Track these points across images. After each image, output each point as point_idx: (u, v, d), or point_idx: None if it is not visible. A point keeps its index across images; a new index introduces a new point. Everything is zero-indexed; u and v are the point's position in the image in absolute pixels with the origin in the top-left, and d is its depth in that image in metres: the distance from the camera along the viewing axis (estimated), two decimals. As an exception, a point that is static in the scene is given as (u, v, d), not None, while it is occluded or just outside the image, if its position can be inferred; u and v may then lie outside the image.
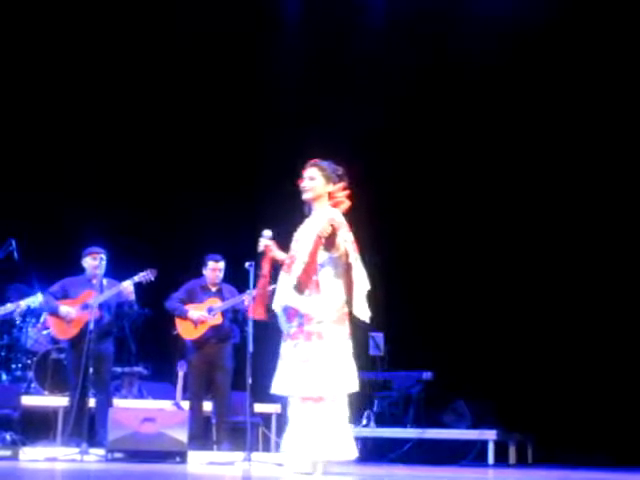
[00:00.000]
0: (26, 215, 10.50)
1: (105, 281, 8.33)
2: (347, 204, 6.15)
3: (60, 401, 9.19)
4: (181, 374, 9.31)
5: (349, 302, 5.99)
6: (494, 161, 10.81)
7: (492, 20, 10.59)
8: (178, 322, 8.65)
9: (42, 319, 10.08)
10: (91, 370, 7.75)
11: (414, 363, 10.11)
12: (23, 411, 8.85)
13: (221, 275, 8.74)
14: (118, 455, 7.32)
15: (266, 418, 9.61)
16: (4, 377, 9.84)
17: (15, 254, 9.71)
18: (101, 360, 8.06)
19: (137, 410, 8.22)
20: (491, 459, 9.04)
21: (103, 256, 8.30)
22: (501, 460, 9.20)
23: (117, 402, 9.00)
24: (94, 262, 8.31)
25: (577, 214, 10.42)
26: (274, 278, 6.25)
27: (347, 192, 6.16)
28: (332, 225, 5.82)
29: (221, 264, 8.72)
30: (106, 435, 7.49)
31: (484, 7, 10.78)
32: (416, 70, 11.07)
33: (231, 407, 8.56)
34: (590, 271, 10.25)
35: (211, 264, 8.71)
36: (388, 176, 11.11)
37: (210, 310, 8.53)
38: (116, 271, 8.53)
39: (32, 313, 10.02)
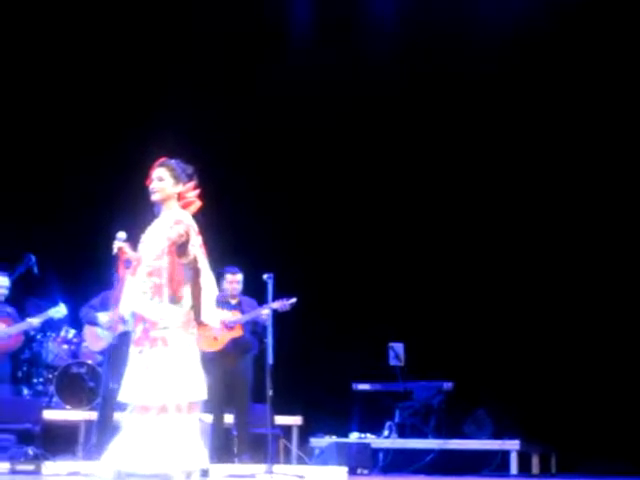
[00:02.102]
0: (46, 229, 10.54)
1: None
2: (197, 204, 5.92)
3: (81, 415, 9.21)
4: (202, 387, 9.31)
5: (196, 308, 5.77)
6: (509, 163, 10.81)
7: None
8: (199, 334, 8.61)
9: (62, 333, 10.11)
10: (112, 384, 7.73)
11: (434, 373, 10.07)
12: (45, 425, 8.87)
13: (239, 287, 8.70)
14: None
15: (287, 430, 9.60)
16: (25, 392, 9.85)
17: (35, 269, 9.74)
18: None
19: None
20: (514, 469, 8.98)
21: None
22: (523, 470, 9.14)
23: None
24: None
25: (588, 221, 10.41)
26: None
27: (197, 192, 5.94)
28: (186, 232, 5.61)
29: (239, 276, 8.68)
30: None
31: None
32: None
33: (252, 419, 8.53)
34: (613, 280, 10.20)
35: (229, 277, 8.67)
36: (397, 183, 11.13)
37: (229, 323, 8.51)
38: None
39: (51, 327, 10.06)
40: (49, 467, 7.44)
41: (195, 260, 5.69)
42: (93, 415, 8.75)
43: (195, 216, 5.80)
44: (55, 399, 9.59)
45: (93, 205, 10.80)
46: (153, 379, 5.55)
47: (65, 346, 10.09)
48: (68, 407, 9.50)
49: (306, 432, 9.71)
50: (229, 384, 8.52)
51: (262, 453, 8.19)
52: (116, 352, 7.79)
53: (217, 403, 8.53)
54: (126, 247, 5.90)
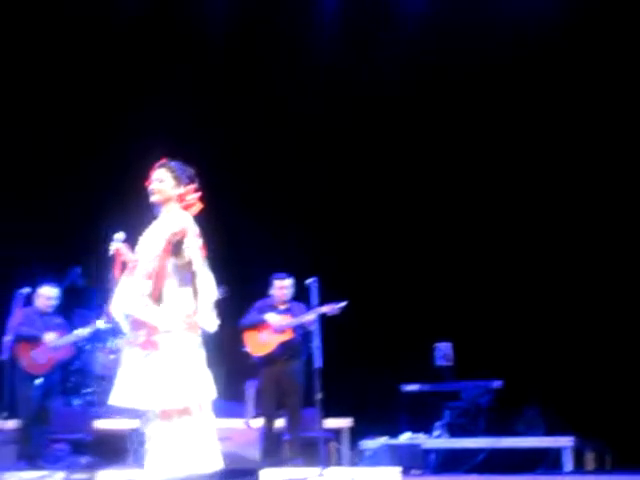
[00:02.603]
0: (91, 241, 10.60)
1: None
2: (198, 207, 5.85)
3: (131, 424, 9.25)
4: (250, 392, 9.34)
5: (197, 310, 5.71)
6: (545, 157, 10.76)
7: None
8: (248, 339, 8.65)
9: (109, 343, 10.16)
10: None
11: (483, 372, 10.01)
12: (96, 435, 8.93)
13: (289, 292, 8.70)
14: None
15: (337, 432, 9.58)
16: (76, 402, 9.93)
17: (80, 281, 9.80)
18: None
19: (209, 429, 8.20)
20: (569, 466, 8.89)
21: None
22: (577, 467, 9.04)
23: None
24: None
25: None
26: None
27: (198, 194, 5.86)
28: (180, 232, 5.58)
29: (287, 282, 8.69)
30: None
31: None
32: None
33: (302, 423, 8.52)
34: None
35: (277, 283, 8.70)
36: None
37: (279, 327, 8.52)
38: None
39: (99, 338, 10.12)
40: (103, 475, 7.50)
41: (190, 263, 5.65)
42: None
43: (197, 218, 5.74)
44: (105, 408, 9.64)
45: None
46: (169, 382, 5.48)
47: (112, 356, 10.13)
48: (118, 416, 9.55)
49: (356, 434, 9.67)
50: (280, 388, 8.52)
51: (313, 456, 8.18)
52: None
53: (268, 407, 8.54)
54: (123, 248, 5.83)
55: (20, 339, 8.36)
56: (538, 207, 10.87)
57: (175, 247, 5.58)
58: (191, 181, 5.85)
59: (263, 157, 11.24)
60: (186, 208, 5.79)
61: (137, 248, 5.77)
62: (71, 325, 8.98)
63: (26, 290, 8.36)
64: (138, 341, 5.60)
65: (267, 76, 11.29)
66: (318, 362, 7.61)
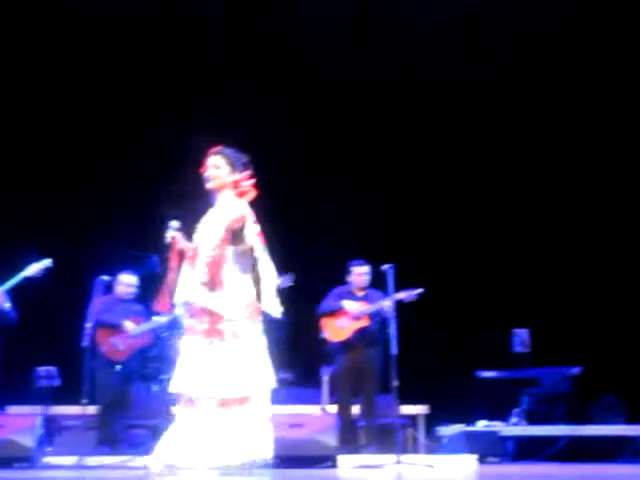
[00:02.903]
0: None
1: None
2: (253, 194, 5.87)
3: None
4: (326, 379, 9.36)
5: (258, 297, 5.76)
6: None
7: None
8: (325, 324, 8.67)
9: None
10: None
11: (561, 358, 9.88)
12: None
13: (366, 279, 8.71)
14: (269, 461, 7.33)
15: (413, 419, 9.56)
16: (155, 388, 10.05)
17: (157, 269, 9.90)
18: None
19: (284, 416, 8.25)
20: (650, 456, 8.73)
21: None
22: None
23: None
24: None
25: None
26: None
27: (253, 181, 5.89)
28: (241, 219, 5.61)
29: (365, 268, 8.69)
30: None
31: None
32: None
33: (378, 410, 8.52)
34: None
35: (355, 270, 8.73)
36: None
37: (357, 314, 8.53)
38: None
39: (177, 325, 10.22)
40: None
41: (252, 249, 5.71)
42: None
43: (252, 205, 5.78)
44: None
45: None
46: (231, 372, 5.58)
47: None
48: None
49: (432, 421, 9.64)
50: (356, 374, 8.53)
51: (389, 443, 8.19)
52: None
53: (344, 393, 8.56)
54: (179, 236, 5.90)
55: (100, 326, 8.49)
56: (619, 192, 10.70)
57: (236, 234, 5.63)
58: (246, 168, 5.90)
59: (334, 140, 11.22)
60: (241, 195, 5.84)
61: (195, 236, 5.84)
62: (150, 313, 9.09)
63: (106, 278, 8.48)
64: (201, 329, 5.67)
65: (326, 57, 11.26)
66: (394, 349, 7.60)
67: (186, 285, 5.79)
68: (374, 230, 10.61)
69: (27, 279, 8.19)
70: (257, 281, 5.75)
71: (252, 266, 5.74)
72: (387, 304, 8.11)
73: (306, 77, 11.17)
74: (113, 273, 8.80)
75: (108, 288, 8.71)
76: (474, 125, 11.19)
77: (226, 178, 5.85)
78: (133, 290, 8.99)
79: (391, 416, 7.85)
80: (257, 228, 5.78)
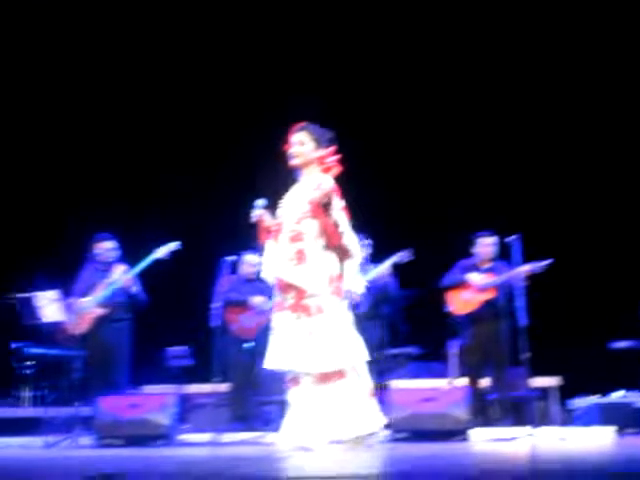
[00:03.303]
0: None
1: (371, 267, 8.44)
2: (338, 169, 5.79)
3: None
4: (454, 352, 9.30)
5: (343, 272, 5.71)
6: None
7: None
8: (450, 298, 8.60)
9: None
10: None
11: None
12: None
13: (492, 251, 8.55)
14: (401, 435, 7.35)
15: (545, 391, 9.42)
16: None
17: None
18: (369, 344, 8.13)
19: (416, 390, 8.25)
20: None
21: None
22: None
23: (393, 383, 9.07)
24: None
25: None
26: None
27: (338, 156, 5.80)
28: (327, 194, 5.55)
29: (492, 239, 8.53)
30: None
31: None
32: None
33: (509, 382, 8.43)
34: None
35: (481, 241, 8.58)
36: None
37: (484, 286, 8.42)
38: (375, 254, 8.60)
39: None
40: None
41: (337, 223, 5.66)
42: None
43: (337, 180, 5.74)
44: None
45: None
46: (324, 345, 5.56)
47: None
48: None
49: (565, 393, 9.48)
50: (484, 347, 8.44)
51: (521, 416, 8.09)
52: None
53: (474, 366, 8.49)
54: (266, 214, 5.88)
55: (229, 304, 8.61)
56: None
57: (322, 209, 5.61)
58: (330, 143, 5.87)
59: (448, 108, 11.12)
60: (326, 171, 5.82)
61: (279, 212, 5.82)
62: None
63: (231, 258, 8.59)
64: (288, 304, 5.68)
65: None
66: (523, 320, 7.48)
67: (271, 261, 5.80)
68: (500, 200, 10.48)
69: (156, 262, 8.38)
70: (341, 257, 5.73)
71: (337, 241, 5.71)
72: (514, 275, 7.99)
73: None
74: (237, 253, 8.91)
75: (233, 268, 8.83)
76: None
77: (311, 154, 5.83)
78: (257, 269, 9.08)
79: (522, 389, 7.75)
80: (342, 203, 5.75)
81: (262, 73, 11.22)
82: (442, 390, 8.35)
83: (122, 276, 8.37)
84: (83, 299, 8.26)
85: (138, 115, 11.32)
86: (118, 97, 11.37)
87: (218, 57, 11.36)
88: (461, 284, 8.56)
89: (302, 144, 5.83)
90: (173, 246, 8.37)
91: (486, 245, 8.57)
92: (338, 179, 5.83)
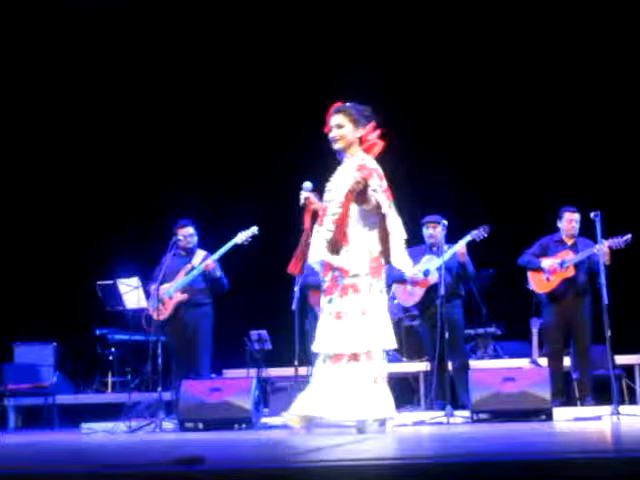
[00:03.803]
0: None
1: (446, 247, 8.38)
2: (380, 145, 5.68)
3: (418, 367, 9.40)
4: (535, 331, 9.21)
5: (385, 254, 5.63)
6: None
7: None
8: (531, 276, 8.49)
9: (393, 289, 10.33)
10: (446, 335, 7.82)
11: None
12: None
13: (577, 227, 8.36)
14: (483, 416, 7.32)
15: (629, 370, 9.28)
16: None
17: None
18: (451, 323, 8.10)
19: (497, 370, 8.20)
20: None
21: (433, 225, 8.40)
22: None
23: (474, 363, 9.04)
24: (427, 231, 8.42)
25: None
26: None
27: (378, 132, 5.68)
28: (363, 178, 5.44)
29: (576, 215, 8.33)
30: (468, 397, 7.53)
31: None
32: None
33: (592, 361, 8.31)
34: None
35: (567, 215, 8.39)
36: None
37: (562, 263, 8.28)
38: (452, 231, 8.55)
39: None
40: (395, 418, 7.64)
41: (378, 205, 5.60)
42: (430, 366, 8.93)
43: (379, 159, 5.69)
44: (391, 352, 9.84)
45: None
46: (345, 327, 5.55)
47: (396, 301, 10.29)
48: (404, 359, 9.73)
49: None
50: (566, 325, 8.32)
51: (605, 395, 7.97)
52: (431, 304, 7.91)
53: (555, 345, 8.37)
54: (313, 197, 5.84)
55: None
56: None
57: (360, 194, 5.55)
58: (369, 121, 5.78)
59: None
60: (369, 149, 5.76)
61: (325, 195, 5.80)
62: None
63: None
64: (326, 286, 5.70)
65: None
66: (605, 298, 7.36)
67: (317, 244, 5.77)
68: (581, 176, 10.33)
69: (237, 246, 8.44)
70: (384, 238, 5.69)
71: (379, 223, 5.68)
72: (595, 252, 7.85)
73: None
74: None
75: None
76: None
77: (351, 136, 5.76)
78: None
79: (605, 367, 7.63)
80: (384, 183, 5.70)
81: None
82: (524, 370, 8.29)
83: (203, 261, 8.45)
84: (165, 285, 8.37)
85: (219, 102, 11.40)
86: (203, 84, 11.47)
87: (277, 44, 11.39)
88: (537, 269, 8.40)
89: (340, 127, 5.75)
90: (252, 231, 8.42)
91: (570, 220, 8.39)
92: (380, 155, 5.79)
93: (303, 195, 5.89)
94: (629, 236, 7.94)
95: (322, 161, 6.03)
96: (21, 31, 11.21)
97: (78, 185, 11.57)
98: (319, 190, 5.89)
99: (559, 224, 8.46)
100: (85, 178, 11.54)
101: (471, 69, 11.11)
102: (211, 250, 8.53)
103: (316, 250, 5.79)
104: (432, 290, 8.20)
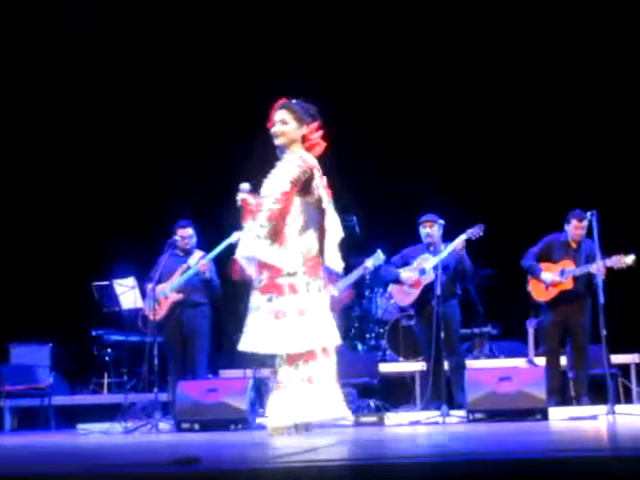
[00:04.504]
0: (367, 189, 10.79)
1: (443, 246, 8.39)
2: (322, 146, 5.64)
3: (415, 366, 9.40)
4: (531, 331, 9.22)
5: (322, 252, 5.56)
6: None
7: None
8: (530, 282, 8.43)
9: (389, 289, 10.35)
10: (442, 334, 7.82)
11: None
12: (381, 378, 9.15)
13: (583, 233, 8.24)
14: (479, 416, 7.32)
15: (624, 369, 9.29)
16: (360, 347, 10.20)
17: (357, 228, 10.02)
18: (447, 322, 8.11)
19: (493, 370, 8.20)
20: None
21: (430, 224, 8.38)
22: None
23: (470, 363, 9.05)
24: (423, 230, 8.40)
25: None
26: None
27: (321, 132, 5.63)
28: (309, 168, 5.44)
29: (585, 223, 8.16)
30: (464, 396, 7.53)
31: None
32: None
33: (588, 360, 8.32)
34: None
35: (575, 222, 8.26)
36: None
37: (563, 273, 8.26)
38: (448, 230, 8.55)
39: (379, 283, 10.32)
40: (391, 418, 7.67)
41: (320, 200, 5.56)
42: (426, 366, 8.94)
43: (320, 158, 5.66)
44: (388, 352, 9.86)
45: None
46: (284, 327, 5.49)
47: (392, 300, 10.32)
48: (401, 359, 9.74)
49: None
50: (564, 325, 8.32)
51: (600, 394, 7.98)
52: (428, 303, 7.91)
53: (552, 345, 8.38)
54: (250, 198, 5.75)
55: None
56: None
57: (304, 186, 5.51)
58: (314, 119, 5.73)
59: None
60: (310, 148, 5.70)
61: (261, 191, 5.69)
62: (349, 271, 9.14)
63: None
64: (260, 285, 5.60)
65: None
66: (602, 298, 7.36)
67: (247, 239, 5.67)
68: (578, 174, 10.35)
69: (232, 246, 8.41)
70: (321, 236, 5.64)
71: (317, 221, 5.62)
72: (594, 270, 7.79)
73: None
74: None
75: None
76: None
77: (294, 133, 5.69)
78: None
79: (601, 366, 7.63)
80: (324, 181, 5.66)
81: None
82: (519, 369, 8.29)
83: (199, 262, 8.44)
84: (161, 285, 8.36)
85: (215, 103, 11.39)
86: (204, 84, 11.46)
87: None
88: (537, 278, 8.36)
89: (284, 123, 5.68)
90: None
91: (577, 227, 8.27)
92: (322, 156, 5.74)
93: (240, 196, 5.81)
94: (633, 257, 7.88)
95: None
96: (19, 33, 11.19)
97: (74, 186, 11.54)
98: (258, 191, 5.78)
99: (566, 227, 8.37)
100: (81, 179, 11.51)
101: (469, 69, 11.10)
102: (207, 250, 8.51)
103: (245, 245, 5.67)
104: (428, 289, 8.20)
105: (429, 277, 8.21)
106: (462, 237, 8.23)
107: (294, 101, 5.77)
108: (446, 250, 8.24)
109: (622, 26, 10.52)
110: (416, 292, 8.40)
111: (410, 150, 10.82)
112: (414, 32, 11.05)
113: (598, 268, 7.64)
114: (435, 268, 8.07)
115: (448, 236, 8.43)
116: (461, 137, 11.09)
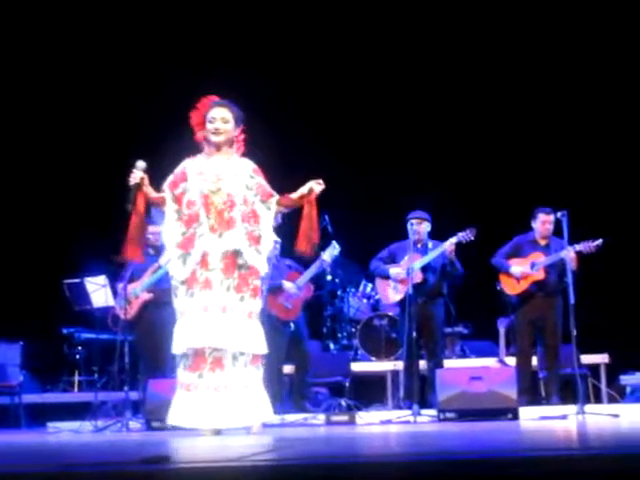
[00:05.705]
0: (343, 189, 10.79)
1: (430, 244, 8.42)
2: (241, 150, 5.78)
3: (387, 366, 9.42)
4: (502, 330, 9.26)
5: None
6: None
7: None
8: (502, 278, 8.52)
9: (361, 288, 10.36)
10: (415, 334, 7.84)
11: None
12: (353, 377, 9.16)
13: (551, 228, 8.38)
14: (449, 415, 7.34)
15: (593, 369, 9.34)
16: (332, 346, 10.21)
17: (329, 227, 10.03)
18: (432, 322, 8.12)
19: (464, 369, 8.23)
20: None
21: (418, 221, 8.39)
22: None
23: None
24: (412, 227, 8.39)
25: None
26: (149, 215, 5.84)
27: (243, 137, 5.78)
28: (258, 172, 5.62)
29: (551, 217, 8.29)
30: (436, 396, 7.56)
31: None
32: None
33: (559, 360, 8.36)
34: None
35: (541, 216, 8.40)
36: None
37: (533, 265, 8.32)
38: (437, 232, 8.58)
39: (351, 282, 10.33)
40: (362, 417, 7.68)
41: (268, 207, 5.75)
42: (398, 365, 8.96)
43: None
44: (360, 352, 9.87)
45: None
46: (258, 328, 5.64)
47: (365, 300, 10.34)
48: (373, 359, 9.75)
49: (614, 370, 9.40)
50: (536, 325, 8.39)
51: (570, 394, 8.03)
52: (412, 302, 7.92)
53: (524, 346, 8.43)
54: (146, 179, 5.71)
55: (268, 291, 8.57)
56: None
57: (266, 192, 5.66)
58: (242, 123, 5.82)
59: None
60: (237, 150, 5.81)
61: (212, 185, 5.66)
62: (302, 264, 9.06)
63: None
64: (233, 284, 5.62)
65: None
66: (572, 298, 7.40)
67: (231, 239, 5.63)
68: (550, 176, 10.40)
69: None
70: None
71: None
72: (565, 255, 7.87)
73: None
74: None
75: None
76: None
77: (232, 133, 5.76)
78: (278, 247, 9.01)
79: (571, 366, 7.68)
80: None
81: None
82: (490, 369, 8.33)
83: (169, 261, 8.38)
84: (132, 284, 8.32)
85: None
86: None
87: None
88: (506, 273, 8.43)
89: (227, 122, 5.73)
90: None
91: (544, 222, 8.40)
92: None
93: (137, 175, 5.70)
94: (600, 241, 7.98)
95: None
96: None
97: (45, 183, 11.46)
98: (151, 171, 5.76)
99: (533, 224, 8.49)
100: (53, 176, 11.44)
101: (454, 71, 11.17)
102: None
103: (228, 243, 5.65)
104: (415, 288, 8.19)
105: (417, 276, 8.21)
106: (452, 240, 8.24)
107: (227, 101, 5.82)
108: (436, 251, 8.29)
109: (594, 30, 10.59)
110: (403, 290, 8.40)
111: (385, 150, 10.88)
112: (397, 25, 11.08)
113: (568, 254, 7.71)
114: (423, 267, 8.14)
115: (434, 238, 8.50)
116: (432, 136, 11.14)
